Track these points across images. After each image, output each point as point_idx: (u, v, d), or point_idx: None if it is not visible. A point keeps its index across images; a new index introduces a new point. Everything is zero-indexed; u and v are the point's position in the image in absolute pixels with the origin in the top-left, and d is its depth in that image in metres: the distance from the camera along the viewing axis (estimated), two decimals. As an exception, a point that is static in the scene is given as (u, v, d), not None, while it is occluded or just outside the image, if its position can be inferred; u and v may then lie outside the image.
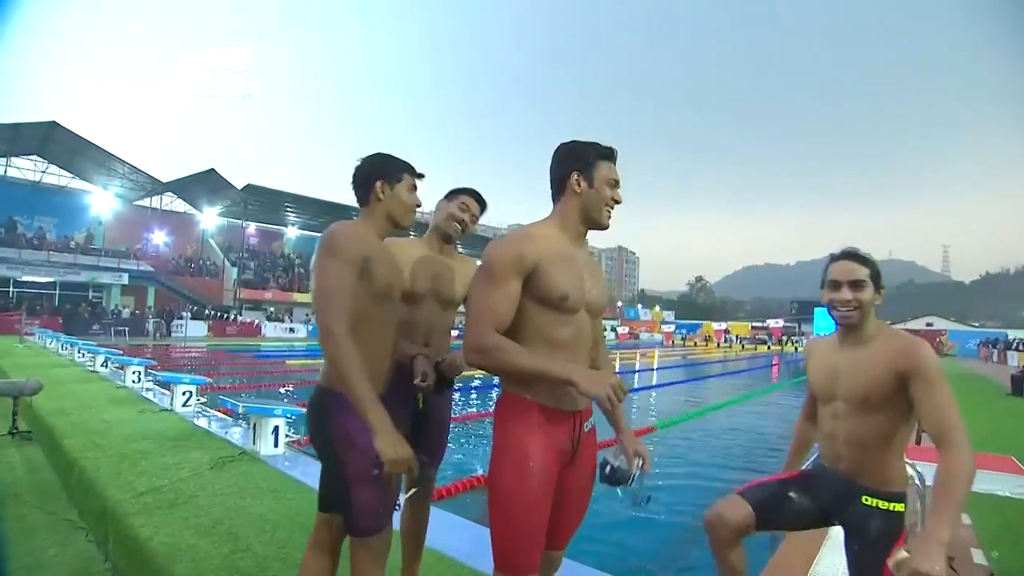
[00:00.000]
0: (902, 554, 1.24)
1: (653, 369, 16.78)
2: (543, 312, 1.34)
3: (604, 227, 1.44)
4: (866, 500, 1.52)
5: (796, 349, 35.97)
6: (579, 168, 1.40)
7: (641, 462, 1.42)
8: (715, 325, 49.72)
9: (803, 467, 1.81)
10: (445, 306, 1.88)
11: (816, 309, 41.94)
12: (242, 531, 2.40)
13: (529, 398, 1.34)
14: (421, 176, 1.63)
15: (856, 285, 1.52)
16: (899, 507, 1.51)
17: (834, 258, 1.59)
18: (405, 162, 1.59)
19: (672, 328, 51.65)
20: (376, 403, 1.30)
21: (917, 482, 3.00)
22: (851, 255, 1.56)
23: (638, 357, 22.72)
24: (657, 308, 65.07)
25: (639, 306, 70.53)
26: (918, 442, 4.12)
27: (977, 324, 51.30)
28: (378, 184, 1.54)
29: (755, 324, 50.48)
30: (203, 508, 2.65)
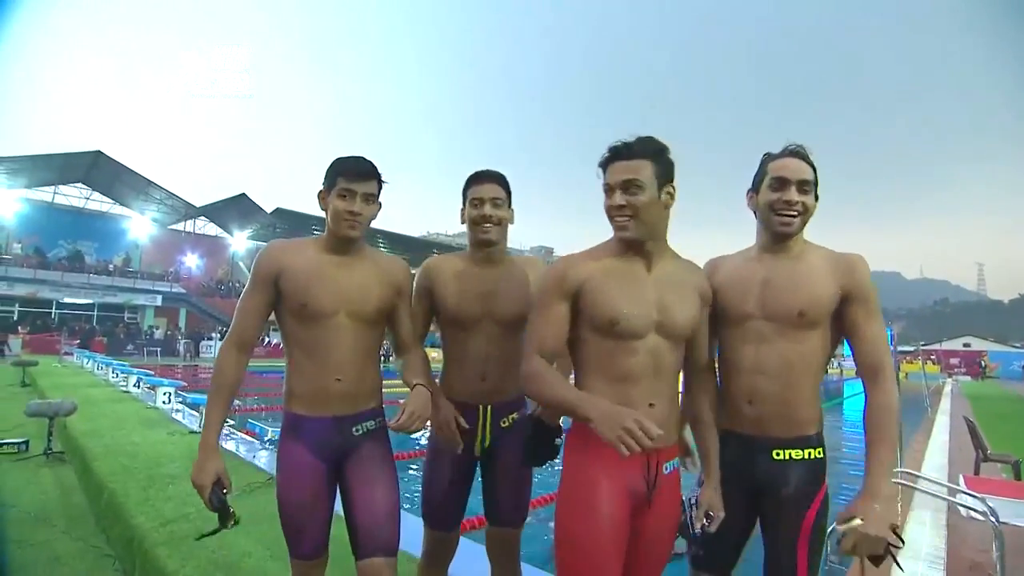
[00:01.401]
0: (855, 522, 1.13)
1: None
2: (598, 339, 1.24)
3: (622, 235, 1.24)
4: (777, 454, 1.31)
5: (827, 371, 34.59)
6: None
7: (706, 521, 1.29)
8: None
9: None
10: (504, 328, 1.59)
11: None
12: (270, 566, 2.29)
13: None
14: (364, 178, 1.41)
15: (804, 187, 1.31)
16: (818, 453, 1.34)
17: (775, 155, 1.35)
18: (345, 162, 1.43)
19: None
20: (213, 423, 1.39)
21: (992, 519, 2.78)
22: (799, 153, 1.33)
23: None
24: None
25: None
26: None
27: (1019, 345, 48.51)
28: (320, 193, 1.46)
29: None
30: (230, 539, 2.55)
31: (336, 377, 1.41)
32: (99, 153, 24.53)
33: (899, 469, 3.79)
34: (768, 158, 1.37)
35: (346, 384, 1.42)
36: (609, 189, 1.24)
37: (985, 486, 3.80)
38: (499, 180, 1.61)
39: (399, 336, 1.59)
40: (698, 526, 1.29)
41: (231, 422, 5.82)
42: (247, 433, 5.56)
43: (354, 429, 1.45)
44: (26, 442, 4.97)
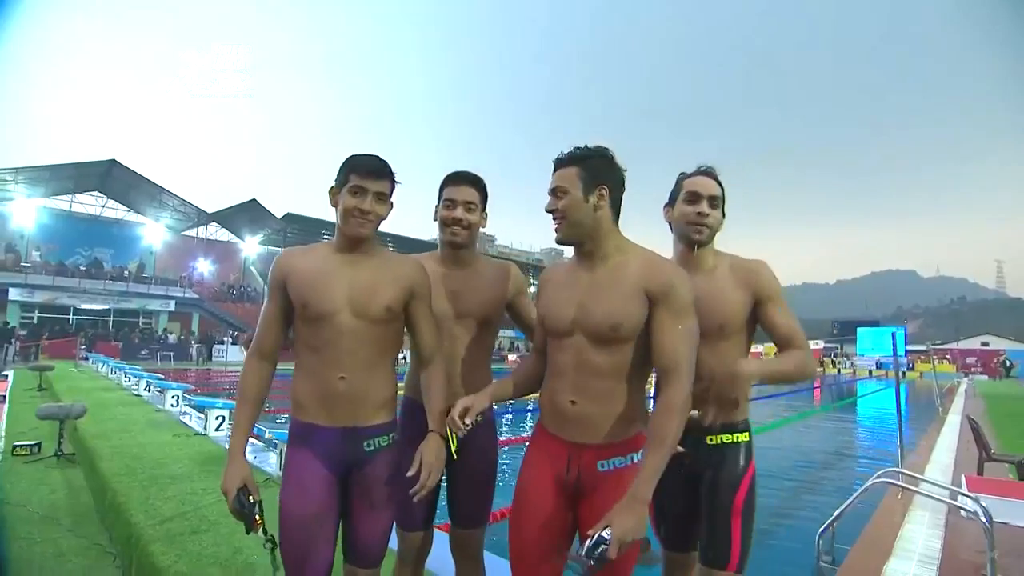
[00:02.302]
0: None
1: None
2: (549, 337, 1.40)
3: (556, 237, 1.37)
4: (711, 440, 1.47)
5: (839, 371, 34.10)
6: None
7: (598, 542, 1.07)
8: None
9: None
10: (469, 329, 1.61)
11: (859, 329, 39.76)
12: (260, 562, 2.37)
13: (540, 419, 1.43)
14: (376, 176, 1.38)
15: (714, 202, 1.48)
16: (744, 437, 1.49)
17: (689, 174, 1.53)
18: (359, 159, 1.40)
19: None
20: (238, 430, 1.41)
21: (984, 519, 2.77)
22: (710, 172, 1.52)
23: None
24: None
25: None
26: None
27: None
28: (331, 190, 1.44)
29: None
30: (224, 537, 2.64)
31: (340, 375, 1.36)
32: (114, 162, 25.07)
33: (897, 470, 3.77)
34: (683, 176, 1.55)
35: (352, 385, 1.37)
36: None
37: (986, 486, 3.76)
38: (475, 183, 1.61)
39: (417, 343, 1.53)
40: (583, 549, 1.09)
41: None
42: (253, 436, 5.66)
43: (365, 445, 1.40)
44: (39, 444, 5.13)
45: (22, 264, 25.31)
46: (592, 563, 1.06)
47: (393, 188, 1.45)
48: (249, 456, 4.51)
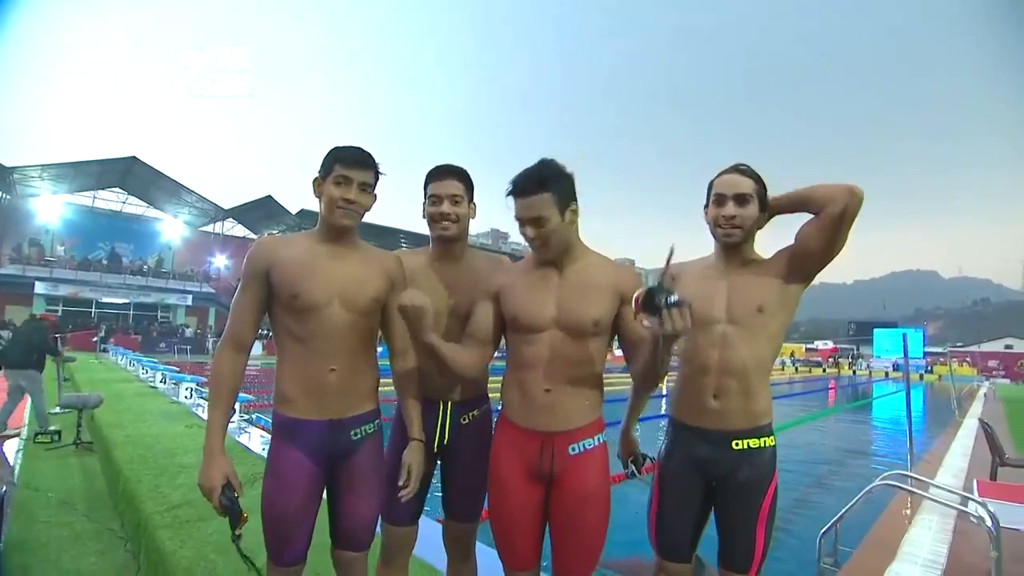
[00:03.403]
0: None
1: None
2: (510, 332, 1.47)
3: (540, 257, 1.44)
4: (737, 444, 1.41)
5: (854, 372, 33.47)
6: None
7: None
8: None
9: (659, 463, 1.58)
10: (462, 324, 1.57)
11: (876, 330, 38.90)
12: (259, 549, 2.43)
13: (506, 415, 1.48)
14: (361, 165, 1.38)
15: (741, 200, 1.40)
16: (770, 441, 1.44)
17: (719, 174, 1.47)
18: (343, 149, 1.40)
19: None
20: (214, 425, 1.35)
21: (990, 523, 2.72)
22: (738, 168, 1.44)
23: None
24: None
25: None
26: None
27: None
28: (315, 180, 1.43)
29: (808, 346, 47.46)
30: (226, 525, 2.70)
31: (331, 367, 1.37)
32: (134, 159, 25.63)
33: (905, 473, 3.72)
34: (716, 176, 1.49)
35: (341, 377, 1.39)
36: (520, 222, 1.38)
37: (998, 491, 3.69)
38: (459, 175, 1.59)
39: (391, 336, 1.54)
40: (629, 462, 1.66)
41: (245, 417, 6.05)
42: (261, 428, 5.78)
43: (352, 433, 1.42)
44: (59, 432, 5.32)
45: (47, 259, 26.04)
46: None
47: (377, 179, 1.45)
48: (260, 449, 4.68)
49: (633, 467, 1.68)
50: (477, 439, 1.62)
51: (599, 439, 1.42)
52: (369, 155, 1.42)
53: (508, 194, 1.36)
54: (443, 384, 1.61)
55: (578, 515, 1.36)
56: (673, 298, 1.09)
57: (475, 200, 1.67)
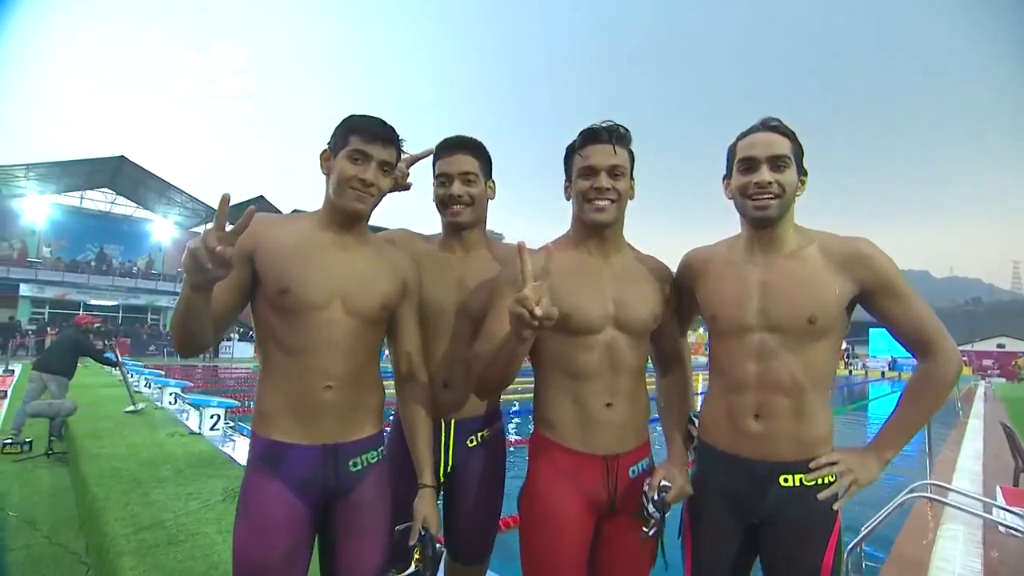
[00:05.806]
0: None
1: (699, 393, 15.85)
2: (554, 335, 1.16)
3: (596, 224, 1.19)
4: (785, 480, 1.11)
5: (850, 372, 33.52)
6: (566, 169, 1.24)
7: (661, 494, 1.15)
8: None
9: (689, 507, 1.26)
10: (475, 325, 1.29)
11: (871, 329, 39.01)
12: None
13: (554, 439, 1.19)
14: (384, 141, 1.14)
15: (777, 163, 1.12)
16: (830, 477, 1.12)
17: (744, 132, 1.18)
18: (362, 119, 1.15)
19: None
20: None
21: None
22: (771, 125, 1.15)
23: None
24: (701, 330, 62.74)
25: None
26: None
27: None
28: (323, 153, 1.18)
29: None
30: (201, 549, 2.44)
31: (326, 384, 1.11)
32: (123, 158, 25.17)
33: (928, 482, 3.50)
34: (739, 137, 1.19)
35: (338, 395, 1.12)
36: (592, 171, 1.16)
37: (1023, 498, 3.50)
38: (472, 149, 1.34)
39: (400, 351, 1.28)
40: (650, 501, 1.13)
41: (231, 423, 5.77)
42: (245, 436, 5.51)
43: (351, 464, 1.15)
44: (29, 442, 5.00)
45: (31, 260, 25.49)
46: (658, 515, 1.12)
47: (399, 157, 1.20)
48: (243, 458, 4.40)
49: (654, 507, 1.17)
50: (486, 465, 1.36)
51: (652, 460, 1.27)
52: (392, 128, 1.17)
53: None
54: (446, 399, 1.34)
55: (637, 545, 1.16)
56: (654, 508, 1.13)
57: (493, 178, 1.40)
